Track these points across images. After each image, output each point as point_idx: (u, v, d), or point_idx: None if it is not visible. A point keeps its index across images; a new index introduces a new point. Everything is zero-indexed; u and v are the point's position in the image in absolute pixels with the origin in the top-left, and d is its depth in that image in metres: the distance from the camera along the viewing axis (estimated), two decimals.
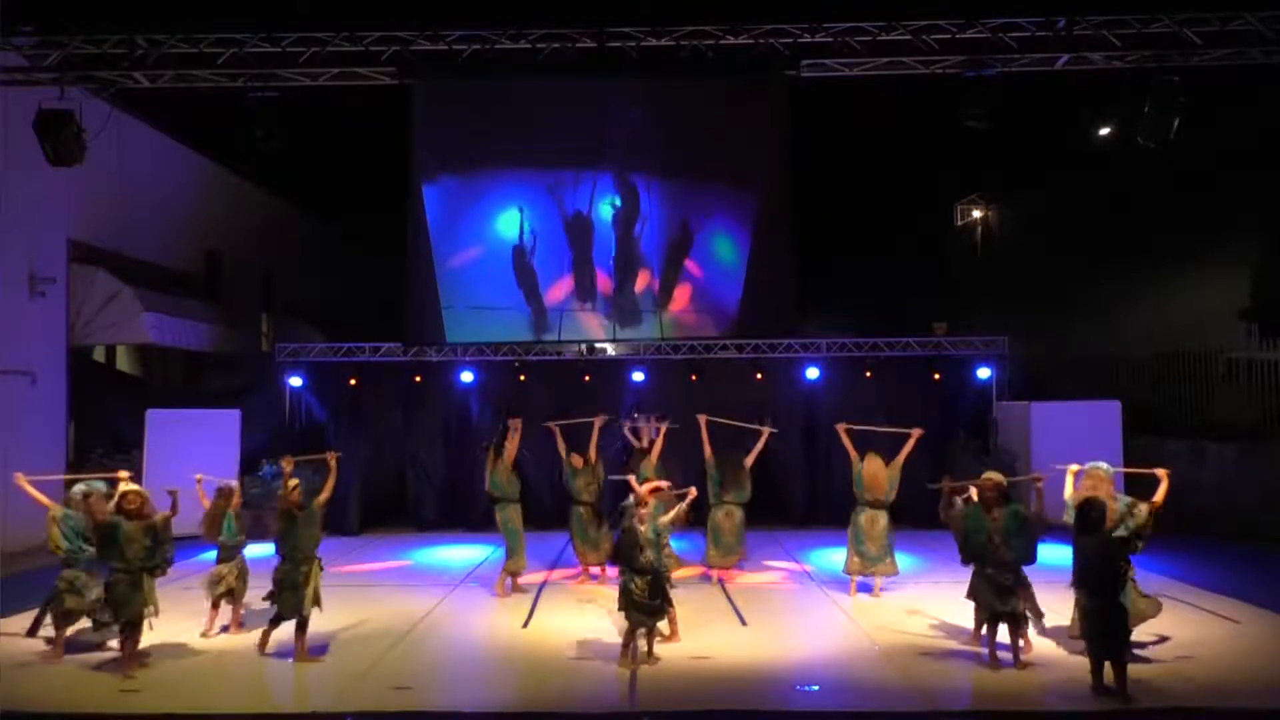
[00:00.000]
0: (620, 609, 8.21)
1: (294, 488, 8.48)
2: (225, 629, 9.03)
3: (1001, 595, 7.81)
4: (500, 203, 13.72)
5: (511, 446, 10.94)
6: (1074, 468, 8.51)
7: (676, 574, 10.04)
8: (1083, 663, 7.36)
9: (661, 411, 13.25)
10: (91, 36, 11.30)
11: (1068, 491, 8.33)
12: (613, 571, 11.02)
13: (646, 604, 8.06)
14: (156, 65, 11.44)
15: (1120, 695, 6.98)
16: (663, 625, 8.52)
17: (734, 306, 13.59)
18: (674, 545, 10.39)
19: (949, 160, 21.55)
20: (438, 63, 11.92)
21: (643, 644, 8.15)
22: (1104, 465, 8.46)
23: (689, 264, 13.67)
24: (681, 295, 13.70)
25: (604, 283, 13.67)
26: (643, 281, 13.66)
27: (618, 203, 13.58)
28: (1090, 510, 7.34)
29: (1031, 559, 7.81)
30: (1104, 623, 7.13)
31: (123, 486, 8.35)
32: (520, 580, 11.05)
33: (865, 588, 10.52)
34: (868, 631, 8.94)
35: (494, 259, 13.71)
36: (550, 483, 14.38)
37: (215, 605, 9.05)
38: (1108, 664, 7.13)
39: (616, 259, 13.64)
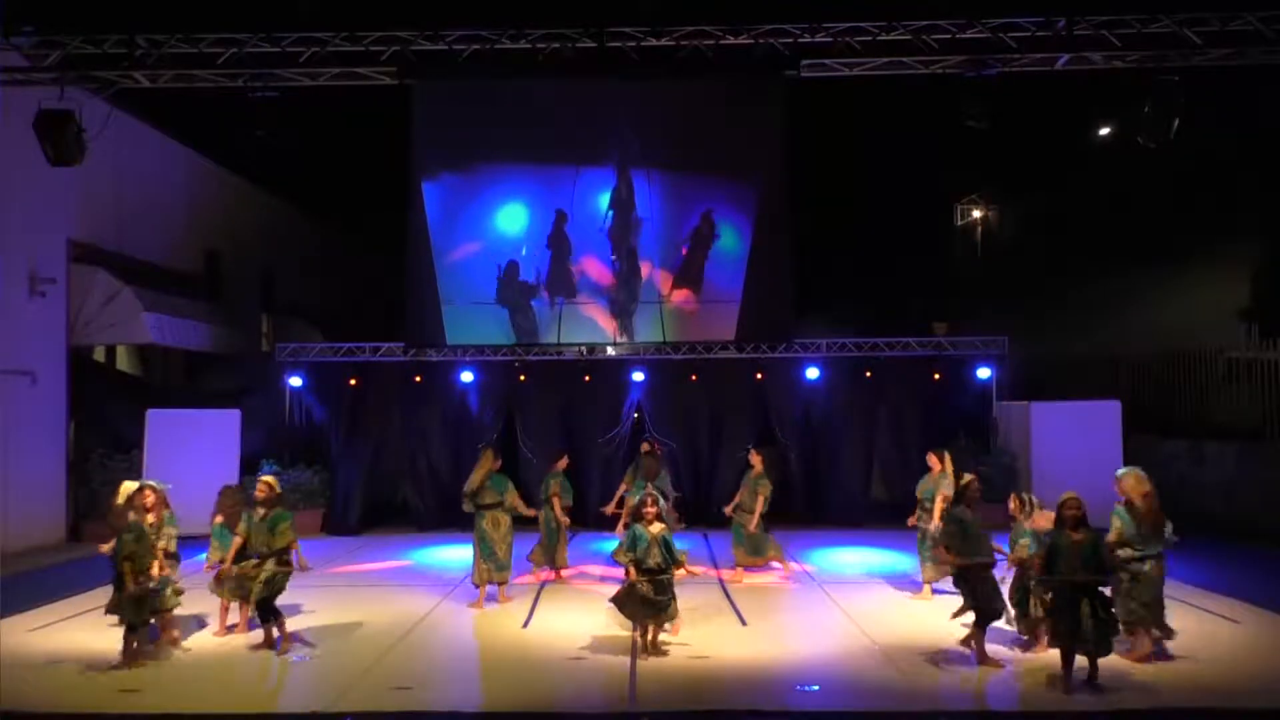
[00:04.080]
0: (620, 607, 8.25)
1: (257, 485, 8.69)
2: (231, 629, 9.02)
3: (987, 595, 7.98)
4: (500, 198, 13.75)
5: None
6: None
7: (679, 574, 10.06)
8: (1084, 663, 7.36)
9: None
10: (91, 36, 11.29)
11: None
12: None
13: (653, 600, 8.12)
14: (156, 65, 11.43)
15: (1094, 686, 7.12)
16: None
17: (736, 297, 13.59)
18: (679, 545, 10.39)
19: (949, 160, 21.57)
20: (438, 63, 11.92)
21: (649, 636, 8.23)
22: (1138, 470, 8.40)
23: (690, 256, 13.67)
24: (683, 286, 13.71)
25: (605, 275, 13.69)
26: (644, 273, 13.67)
27: (617, 194, 13.61)
28: (1069, 508, 7.40)
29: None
30: (1070, 616, 7.17)
31: (130, 486, 8.43)
32: (520, 580, 11.05)
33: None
34: (868, 631, 8.94)
35: (494, 254, 13.72)
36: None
37: (226, 606, 9.04)
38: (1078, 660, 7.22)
39: (617, 252, 13.66)
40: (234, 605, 8.99)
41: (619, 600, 8.30)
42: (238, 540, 8.52)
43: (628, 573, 8.25)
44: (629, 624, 9.01)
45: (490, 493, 10.26)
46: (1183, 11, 10.90)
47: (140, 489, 8.56)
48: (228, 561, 8.58)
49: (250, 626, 8.90)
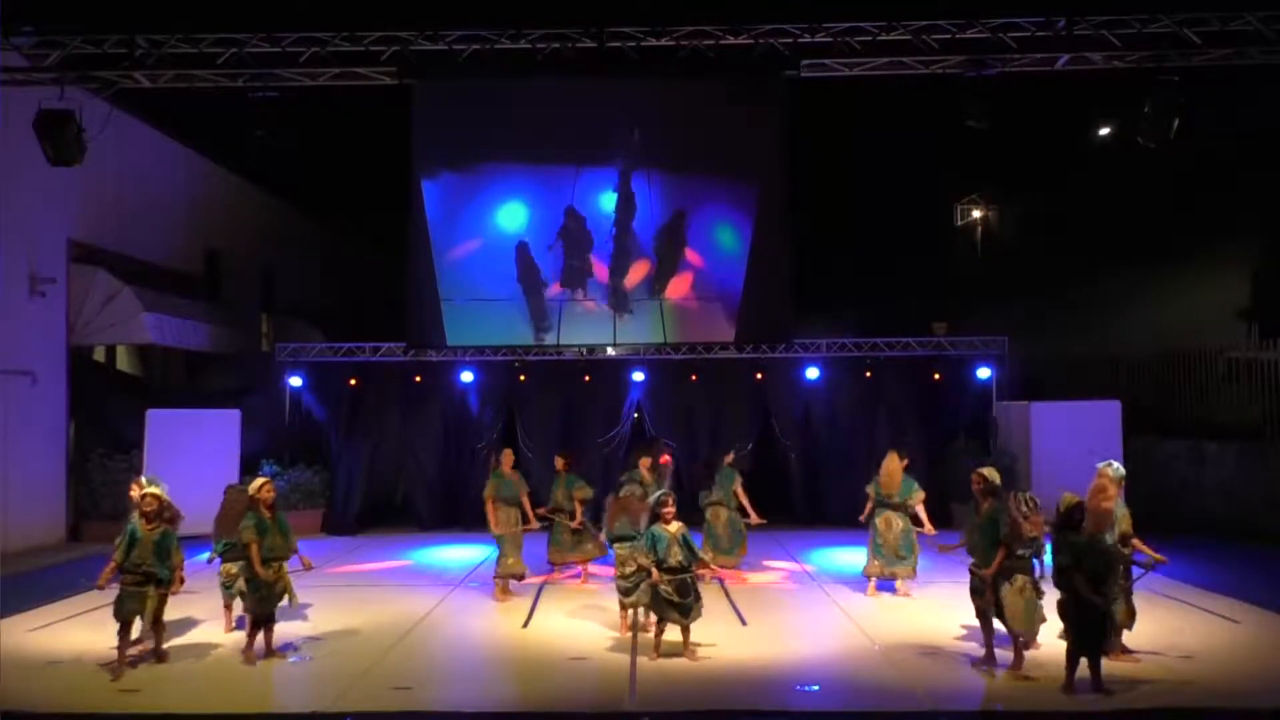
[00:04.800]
0: (648, 607, 8.26)
1: (262, 485, 8.39)
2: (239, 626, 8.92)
3: (972, 592, 8.00)
4: (500, 196, 13.75)
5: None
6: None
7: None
8: (1086, 663, 7.35)
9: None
10: (91, 36, 11.29)
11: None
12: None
13: (679, 603, 8.10)
14: (156, 65, 11.43)
15: (1100, 689, 7.07)
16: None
17: (736, 295, 13.59)
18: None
19: (949, 160, 21.56)
20: (438, 63, 11.92)
21: (666, 637, 8.23)
22: (1115, 465, 8.38)
23: (690, 253, 13.68)
24: (682, 284, 13.71)
25: (605, 273, 13.69)
26: (644, 271, 13.68)
27: (617, 194, 13.61)
28: (1075, 511, 7.35)
29: (985, 564, 7.85)
30: (1091, 621, 7.15)
31: (145, 488, 8.29)
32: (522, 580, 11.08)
33: (886, 587, 10.67)
34: (868, 631, 8.94)
35: (494, 252, 13.73)
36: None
37: (229, 605, 9.00)
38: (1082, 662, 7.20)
39: (617, 249, 13.65)
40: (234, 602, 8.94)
41: (653, 607, 8.28)
42: (254, 548, 8.10)
43: (650, 574, 8.18)
44: (629, 624, 9.03)
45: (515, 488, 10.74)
46: (1183, 11, 10.89)
47: (143, 496, 8.15)
48: (259, 569, 8.09)
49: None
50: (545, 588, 11.10)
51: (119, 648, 7.76)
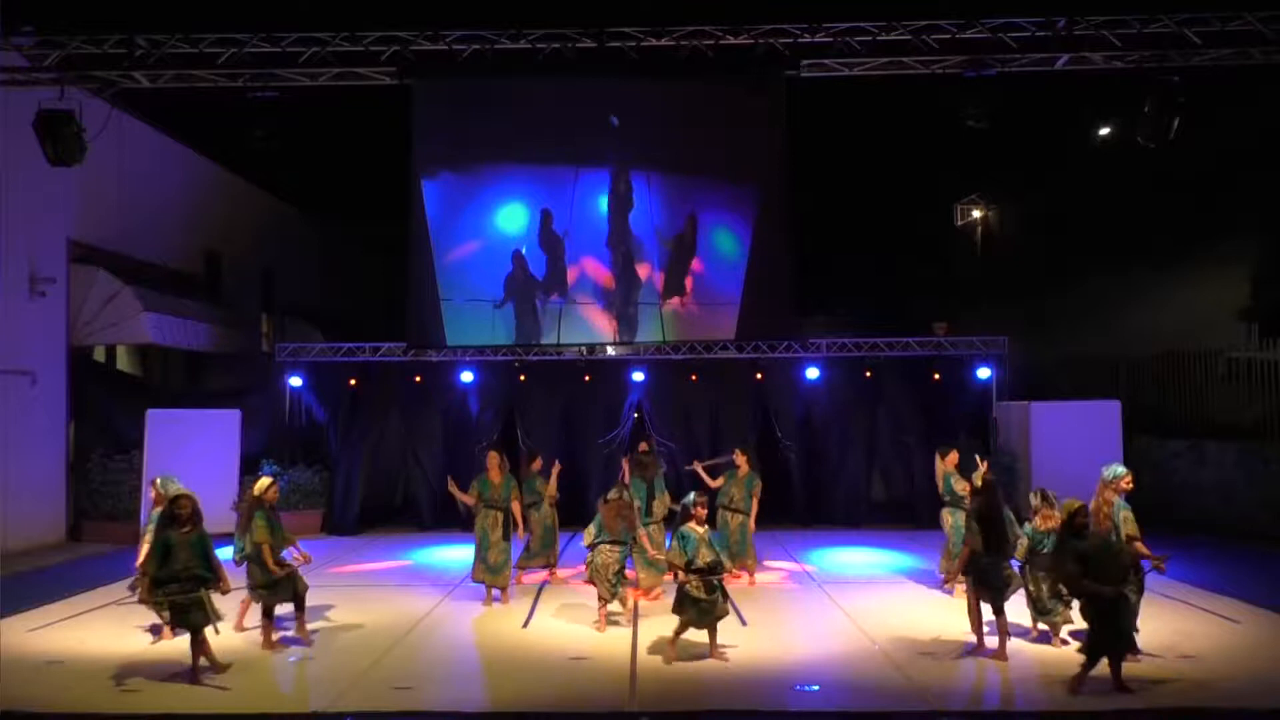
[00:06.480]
0: (673, 610, 8.21)
1: (269, 485, 8.50)
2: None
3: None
4: (500, 198, 13.76)
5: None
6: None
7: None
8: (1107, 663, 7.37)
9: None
10: (91, 36, 11.30)
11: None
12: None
13: (705, 600, 8.08)
14: (156, 65, 11.45)
15: (1120, 688, 7.06)
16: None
17: (735, 300, 13.59)
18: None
19: (949, 160, 21.56)
20: (438, 63, 11.93)
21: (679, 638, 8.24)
22: (1109, 466, 8.40)
23: (674, 263, 13.67)
24: (673, 294, 13.71)
25: (604, 277, 13.70)
26: (643, 275, 13.68)
27: (616, 195, 13.60)
28: (1077, 516, 7.38)
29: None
30: (1115, 622, 7.15)
31: (174, 490, 8.24)
32: (521, 580, 11.08)
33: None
34: (868, 631, 8.94)
35: (493, 253, 13.73)
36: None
37: (247, 603, 8.96)
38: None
39: (616, 253, 13.66)
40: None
41: (675, 607, 8.21)
42: (267, 549, 8.21)
43: (676, 574, 8.19)
44: (629, 624, 9.05)
45: (498, 492, 10.38)
46: (1183, 11, 10.91)
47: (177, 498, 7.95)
48: (274, 567, 8.25)
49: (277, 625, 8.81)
50: (545, 587, 11.10)
51: (195, 655, 7.61)
